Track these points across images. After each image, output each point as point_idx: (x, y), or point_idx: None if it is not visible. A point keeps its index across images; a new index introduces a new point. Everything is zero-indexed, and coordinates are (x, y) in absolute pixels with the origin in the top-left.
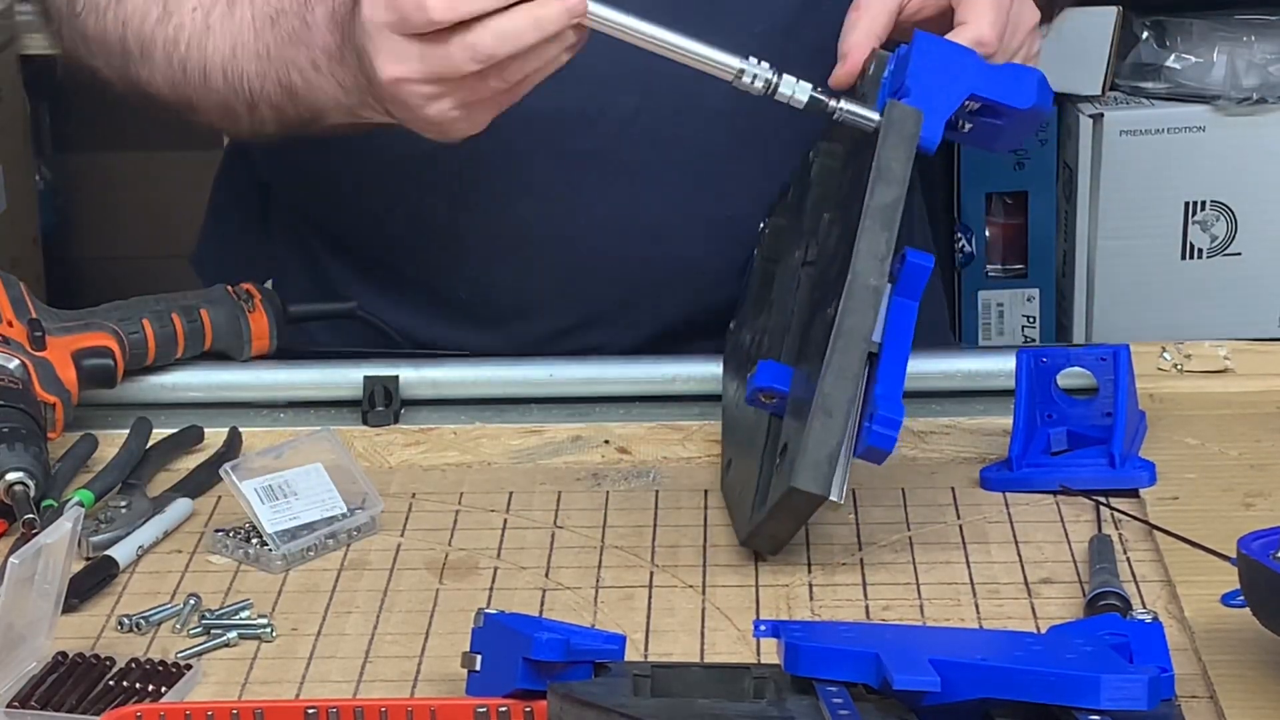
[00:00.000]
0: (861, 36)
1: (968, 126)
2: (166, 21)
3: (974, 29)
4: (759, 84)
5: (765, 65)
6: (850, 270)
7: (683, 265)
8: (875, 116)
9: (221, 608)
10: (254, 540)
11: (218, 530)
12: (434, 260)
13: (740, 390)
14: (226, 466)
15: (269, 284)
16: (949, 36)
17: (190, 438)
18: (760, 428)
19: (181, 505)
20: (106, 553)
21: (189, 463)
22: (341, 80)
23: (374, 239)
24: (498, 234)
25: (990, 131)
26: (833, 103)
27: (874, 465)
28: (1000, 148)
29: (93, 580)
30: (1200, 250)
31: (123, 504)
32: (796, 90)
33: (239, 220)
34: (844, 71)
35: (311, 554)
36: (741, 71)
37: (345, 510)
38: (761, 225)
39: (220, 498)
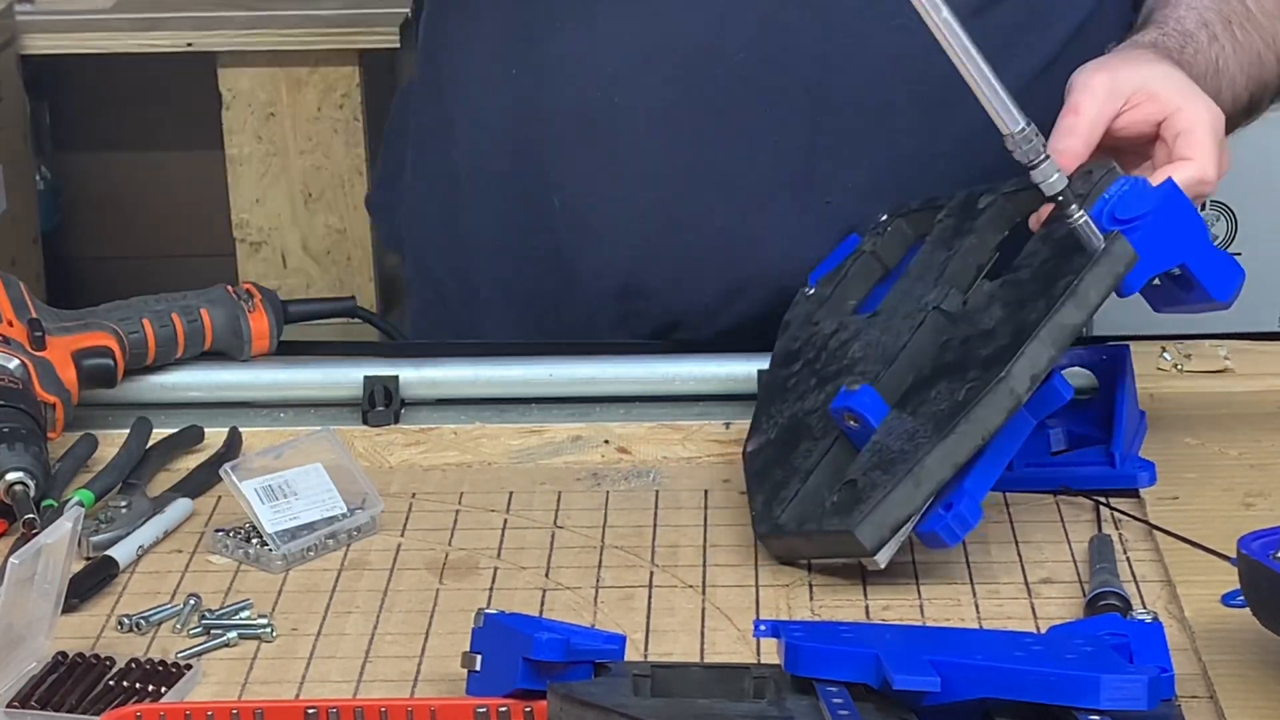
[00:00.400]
0: (1080, 146)
1: (1156, 282)
2: None
3: (1198, 167)
4: (1027, 152)
5: (1039, 135)
6: (1005, 369)
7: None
8: (1101, 242)
9: (221, 608)
10: (254, 540)
11: (218, 530)
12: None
13: (810, 379)
14: (227, 466)
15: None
16: (1168, 169)
17: (190, 438)
18: (819, 429)
19: (181, 505)
20: (106, 553)
21: (189, 463)
22: None
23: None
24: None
25: (1170, 296)
26: (1076, 210)
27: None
28: (1163, 310)
29: (92, 580)
30: None
31: (123, 504)
32: (1055, 179)
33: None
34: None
35: (311, 554)
36: (1022, 131)
37: (345, 510)
38: (883, 216)
39: (220, 497)
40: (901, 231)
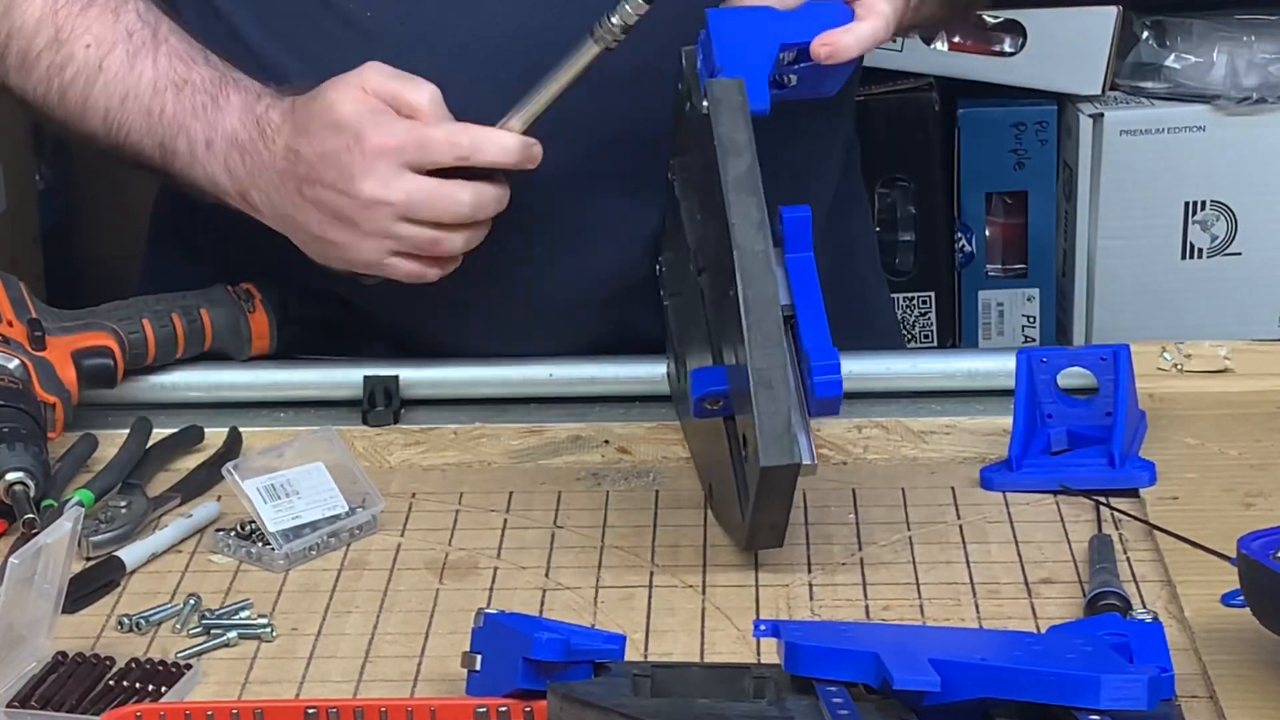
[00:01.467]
0: None
1: (794, 80)
2: (56, 49)
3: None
4: (619, 34)
5: (611, 21)
6: (734, 246)
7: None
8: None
9: (221, 608)
10: (256, 540)
11: (218, 530)
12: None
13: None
14: (229, 466)
15: None
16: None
17: (190, 438)
18: (724, 440)
19: (208, 508)
20: (116, 553)
21: (189, 463)
22: (231, 167)
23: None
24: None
25: (816, 75)
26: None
27: (876, 464)
28: (832, 87)
29: (98, 582)
30: (1200, 250)
31: (123, 504)
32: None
33: (178, 256)
34: None
35: (313, 553)
36: (598, 41)
37: (347, 509)
38: (657, 267)
39: (221, 497)
40: (669, 260)
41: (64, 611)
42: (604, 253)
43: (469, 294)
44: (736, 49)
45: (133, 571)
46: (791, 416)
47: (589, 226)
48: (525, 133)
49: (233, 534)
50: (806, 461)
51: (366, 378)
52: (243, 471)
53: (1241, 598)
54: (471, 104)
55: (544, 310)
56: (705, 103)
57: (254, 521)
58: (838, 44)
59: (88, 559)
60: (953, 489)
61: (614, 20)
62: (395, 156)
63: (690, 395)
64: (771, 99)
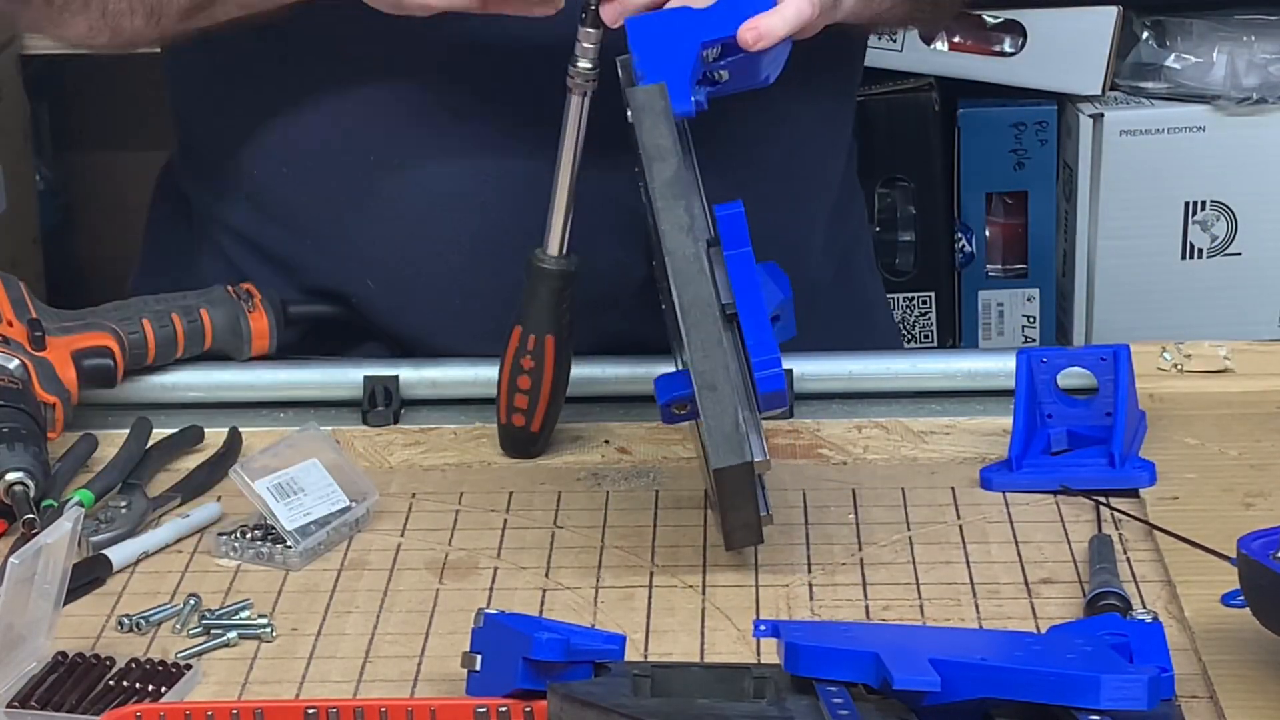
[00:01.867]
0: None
1: (725, 75)
2: None
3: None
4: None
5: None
6: (664, 251)
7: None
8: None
9: (221, 608)
10: (267, 540)
11: (220, 534)
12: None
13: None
14: (236, 468)
15: None
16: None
17: (190, 438)
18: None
19: (209, 509)
20: (103, 551)
21: (189, 463)
22: None
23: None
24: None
25: (748, 66)
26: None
27: (876, 464)
28: (769, 76)
29: (80, 579)
30: (1200, 250)
31: (123, 504)
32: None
33: (173, 249)
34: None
35: (322, 548)
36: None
37: (349, 503)
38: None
39: (220, 497)
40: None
41: None
42: (605, 260)
43: (462, 302)
44: (655, 54)
45: (120, 570)
46: (739, 415)
47: (590, 235)
48: (564, 231)
49: (236, 536)
50: (758, 458)
51: (366, 378)
52: (248, 472)
53: (1241, 598)
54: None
55: None
56: (629, 111)
57: (259, 523)
58: (762, 27)
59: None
60: (953, 489)
61: (581, 64)
62: None
63: (658, 401)
64: (707, 96)
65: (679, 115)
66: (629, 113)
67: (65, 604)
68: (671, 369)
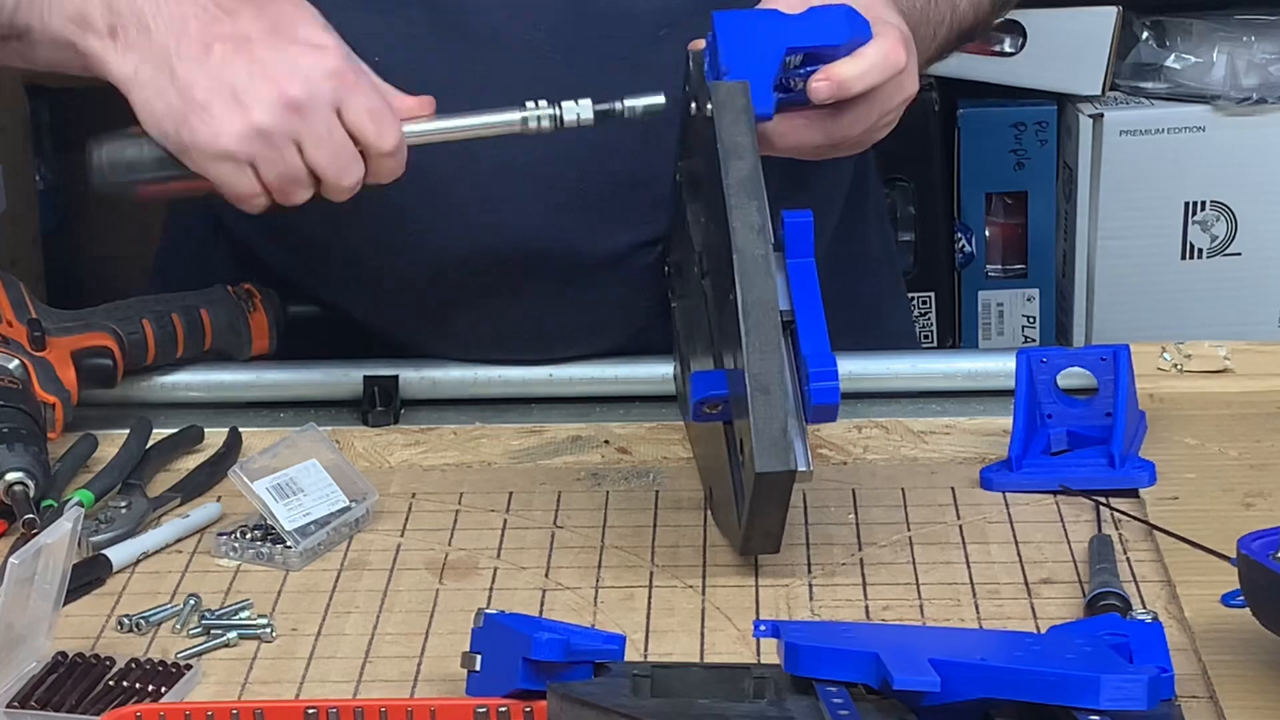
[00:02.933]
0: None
1: (800, 84)
2: None
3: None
4: (545, 123)
5: (543, 103)
6: (733, 249)
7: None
8: (658, 100)
9: (221, 608)
10: (267, 540)
11: (220, 534)
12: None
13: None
14: (235, 469)
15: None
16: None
17: (190, 438)
18: (724, 445)
19: (209, 509)
20: (103, 551)
21: (189, 463)
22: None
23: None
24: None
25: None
26: (618, 105)
27: (876, 464)
28: None
29: (80, 579)
30: (1200, 250)
31: (123, 504)
32: (580, 111)
33: (195, 234)
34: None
35: (322, 548)
36: (524, 120)
37: (348, 503)
38: (665, 269)
39: (220, 497)
40: (676, 264)
41: None
42: (606, 288)
43: (468, 320)
44: (742, 52)
45: (120, 571)
46: (788, 423)
47: (590, 263)
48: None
49: (236, 536)
50: (802, 468)
51: (366, 378)
52: (247, 472)
53: (1241, 598)
54: (514, 88)
55: (545, 337)
56: (709, 105)
57: (259, 524)
58: (835, 78)
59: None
60: (953, 489)
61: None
62: (344, 78)
63: (690, 398)
64: (778, 103)
65: (758, 116)
66: (709, 106)
67: (65, 604)
68: (670, 368)
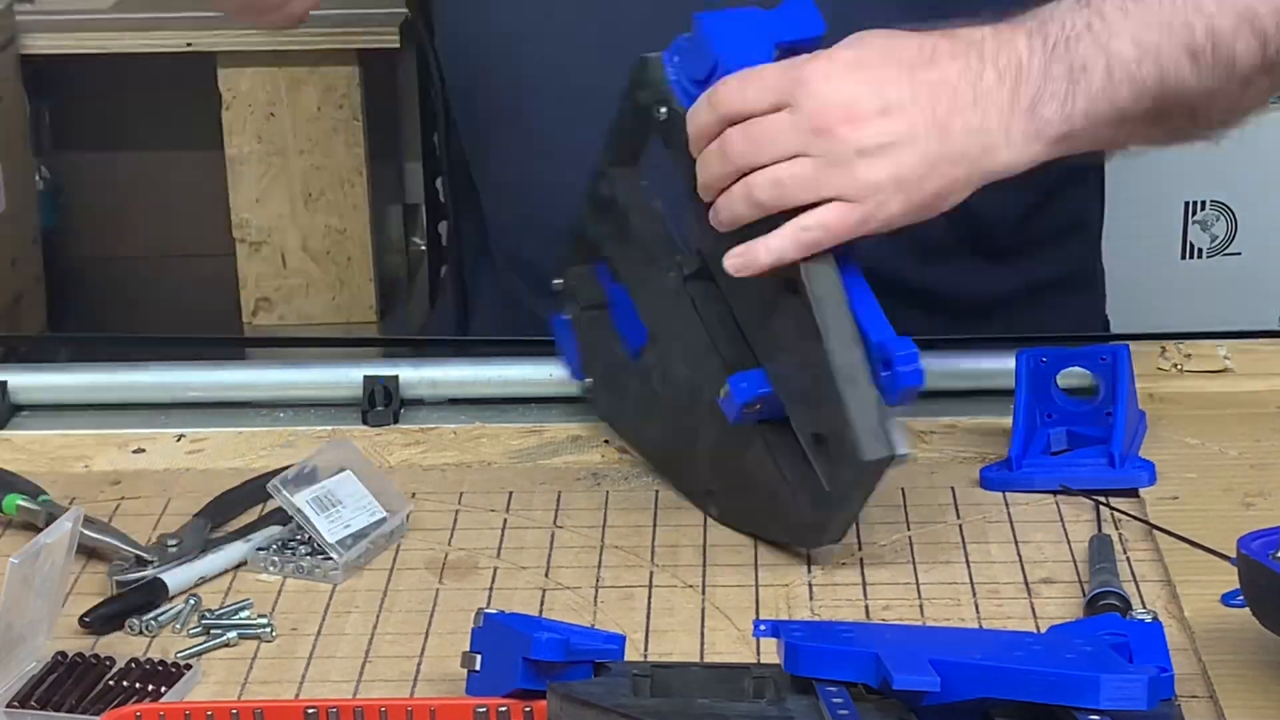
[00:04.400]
0: None
1: None
2: None
3: None
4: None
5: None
6: None
7: None
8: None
9: (221, 608)
10: (304, 553)
11: (260, 549)
12: None
13: (669, 426)
14: (274, 482)
15: None
16: None
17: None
18: (744, 442)
19: (270, 530)
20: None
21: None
22: None
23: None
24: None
25: None
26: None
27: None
28: None
29: (133, 603)
30: (1200, 250)
31: (172, 542)
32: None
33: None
34: None
35: (363, 560)
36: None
37: (384, 514)
38: (556, 285)
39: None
40: (580, 276)
41: (95, 632)
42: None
43: None
44: (736, 48)
45: (174, 596)
46: (879, 409)
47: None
48: None
49: (275, 550)
50: (903, 452)
51: (366, 378)
52: (287, 487)
53: (1241, 598)
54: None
55: None
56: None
57: (293, 536)
58: (747, 256)
59: (118, 592)
60: (953, 489)
61: None
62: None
63: (733, 400)
64: None
65: None
66: (670, 110)
67: (111, 631)
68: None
